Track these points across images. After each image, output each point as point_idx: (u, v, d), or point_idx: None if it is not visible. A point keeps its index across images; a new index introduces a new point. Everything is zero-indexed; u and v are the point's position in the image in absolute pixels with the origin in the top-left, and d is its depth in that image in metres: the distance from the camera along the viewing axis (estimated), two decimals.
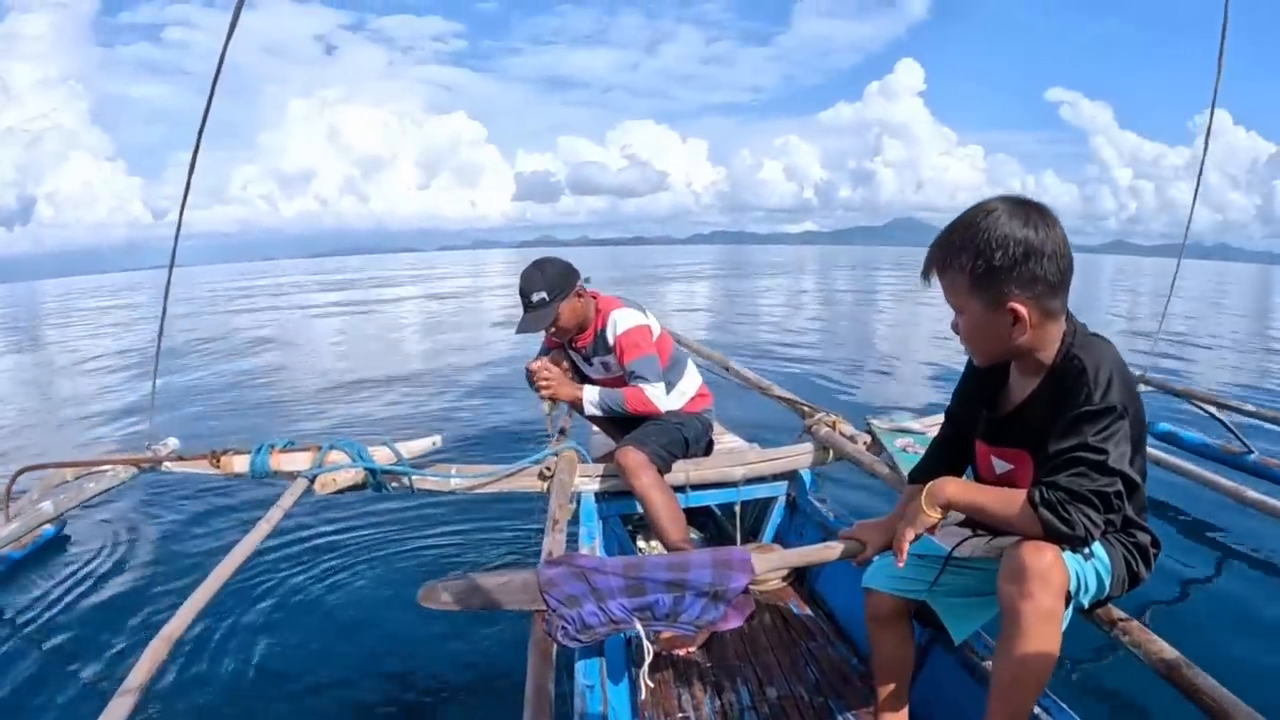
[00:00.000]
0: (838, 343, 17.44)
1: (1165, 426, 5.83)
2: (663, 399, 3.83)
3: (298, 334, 21.23)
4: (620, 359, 3.87)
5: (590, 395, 3.84)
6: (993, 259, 1.72)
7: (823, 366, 13.35)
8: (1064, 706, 2.07)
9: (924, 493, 1.97)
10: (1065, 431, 1.74)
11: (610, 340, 3.90)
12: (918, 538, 2.00)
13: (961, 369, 2.28)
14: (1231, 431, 4.88)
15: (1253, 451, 4.61)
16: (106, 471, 3.79)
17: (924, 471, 2.35)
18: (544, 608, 2.23)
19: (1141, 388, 5.53)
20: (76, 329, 24.83)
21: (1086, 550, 1.85)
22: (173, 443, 4.10)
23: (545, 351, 4.32)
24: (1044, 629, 1.70)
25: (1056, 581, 1.70)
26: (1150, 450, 5.01)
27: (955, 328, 1.95)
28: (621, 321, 3.85)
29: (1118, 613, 2.20)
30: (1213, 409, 5.23)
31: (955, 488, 1.95)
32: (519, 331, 3.85)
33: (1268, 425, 5.46)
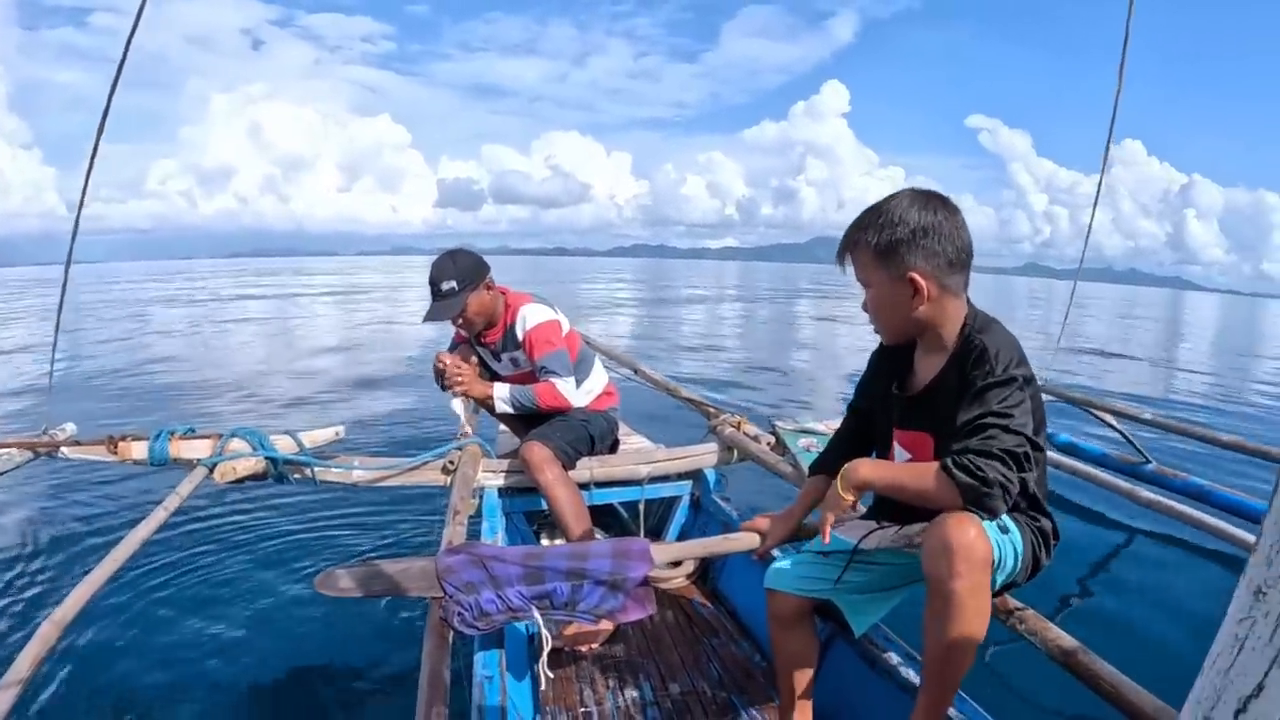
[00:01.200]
0: (748, 352, 17.77)
1: (1066, 438, 5.96)
2: (574, 393, 3.85)
3: (205, 329, 21.02)
4: (530, 354, 3.89)
5: (501, 392, 3.84)
6: (894, 234, 1.89)
7: (732, 373, 13.69)
8: (964, 695, 2.11)
9: (839, 475, 2.00)
10: (971, 402, 1.81)
11: (520, 335, 3.92)
12: (838, 520, 2.04)
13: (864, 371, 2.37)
14: (1130, 442, 5.01)
15: (1150, 461, 4.75)
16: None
17: (825, 462, 2.42)
18: (441, 594, 2.21)
19: (1043, 396, 5.72)
20: None
21: (1002, 524, 1.87)
22: (70, 428, 3.98)
23: (454, 347, 4.31)
24: (974, 602, 1.73)
25: (981, 555, 1.72)
26: (1051, 455, 5.16)
27: (864, 306, 2.07)
28: (531, 316, 3.88)
29: (1014, 602, 2.25)
30: (1110, 418, 5.35)
31: (869, 468, 1.99)
32: (425, 320, 3.87)
33: (1172, 438, 5.66)
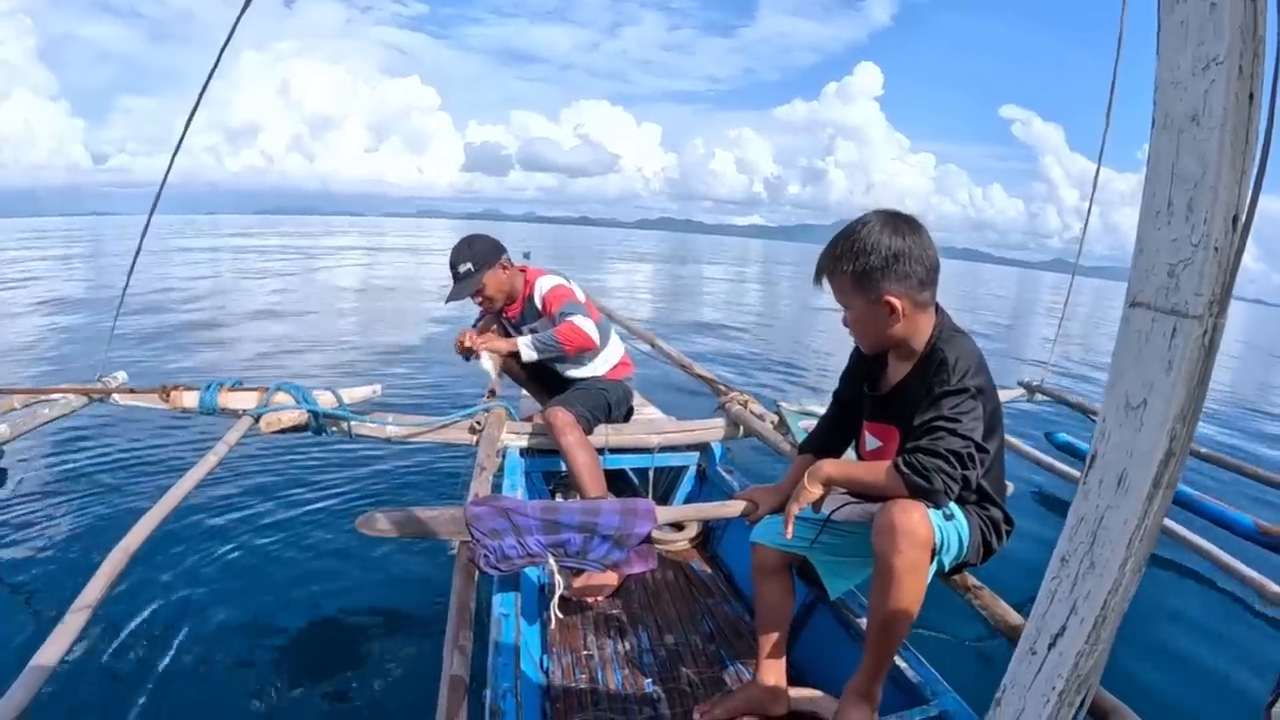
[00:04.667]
0: (764, 332, 17.67)
1: (1065, 438, 6.16)
2: (593, 330, 4.05)
3: (245, 286, 20.93)
4: (548, 310, 4.14)
5: (524, 341, 4.06)
6: (869, 262, 2.06)
7: (746, 353, 13.71)
8: (923, 660, 2.38)
9: (806, 474, 2.25)
10: (927, 407, 2.05)
11: (539, 303, 4.19)
12: (801, 509, 2.26)
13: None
14: None
15: None
16: (58, 400, 3.87)
17: (812, 444, 2.70)
18: (469, 539, 2.46)
19: (1039, 398, 5.88)
20: (11, 270, 23.88)
21: (948, 511, 2.12)
22: (121, 376, 4.22)
23: (480, 320, 4.58)
24: (911, 579, 1.95)
25: (922, 537, 1.95)
26: (1043, 457, 5.34)
27: (845, 322, 2.27)
28: (546, 284, 4.18)
29: (972, 580, 2.52)
30: None
31: (831, 467, 2.24)
32: (447, 300, 4.15)
33: None
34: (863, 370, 2.45)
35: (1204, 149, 0.68)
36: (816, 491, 2.22)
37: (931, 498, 2.00)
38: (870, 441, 2.42)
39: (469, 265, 4.08)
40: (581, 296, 4.27)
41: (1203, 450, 5.34)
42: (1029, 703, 0.91)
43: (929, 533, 1.97)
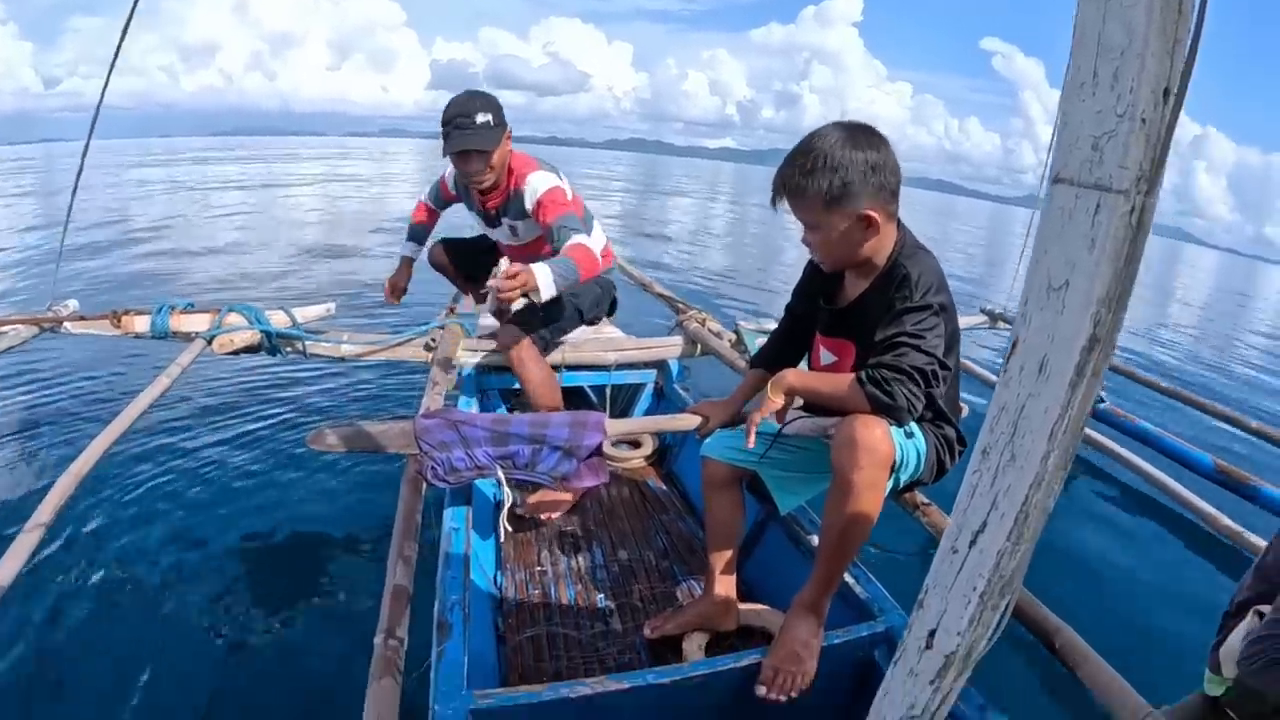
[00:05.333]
0: (728, 254, 17.74)
1: None
2: (597, 250, 3.48)
3: (196, 208, 20.38)
4: (542, 218, 3.59)
5: (545, 278, 3.07)
6: (846, 176, 1.96)
7: (708, 274, 13.70)
8: (871, 577, 2.38)
9: (770, 383, 2.21)
10: (889, 323, 2.00)
11: (528, 204, 3.66)
12: (763, 419, 2.23)
13: None
14: None
15: (1104, 400, 4.83)
16: (7, 332, 3.78)
17: (764, 358, 2.67)
18: (417, 451, 2.44)
19: (1001, 326, 5.87)
20: None
21: (908, 430, 2.10)
22: (72, 304, 4.11)
23: (440, 201, 4.32)
24: (869, 495, 1.93)
25: (883, 454, 1.92)
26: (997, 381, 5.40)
27: (806, 242, 2.19)
28: (539, 184, 3.61)
29: (921, 498, 2.53)
30: None
31: (794, 376, 2.19)
32: (454, 149, 3.48)
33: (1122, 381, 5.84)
34: (818, 284, 2.39)
35: (1131, 16, 0.64)
36: (779, 401, 2.18)
37: (894, 414, 1.96)
38: (825, 356, 2.39)
39: (488, 117, 3.45)
40: (569, 191, 3.75)
41: (1164, 384, 5.37)
42: (950, 604, 0.88)
43: (890, 450, 1.95)
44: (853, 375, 2.00)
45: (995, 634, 0.93)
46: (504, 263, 3.75)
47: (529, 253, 3.90)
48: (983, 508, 0.81)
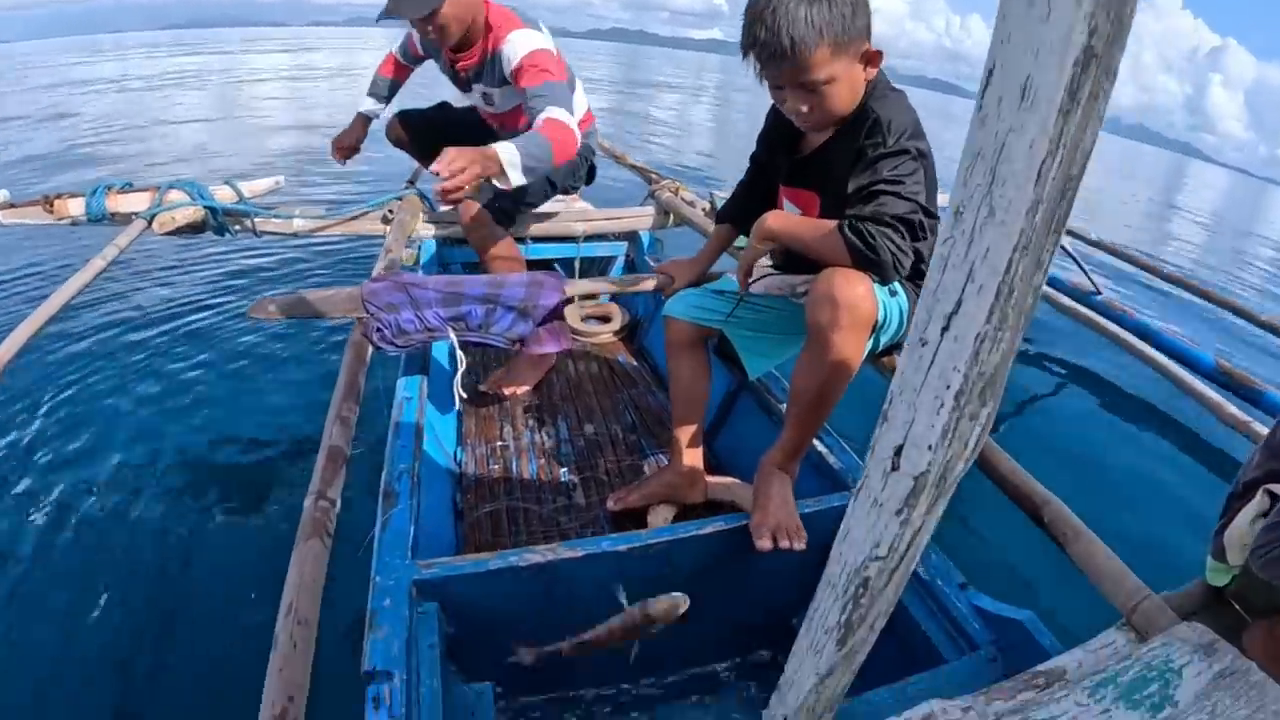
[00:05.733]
0: (712, 143, 17.53)
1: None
2: (576, 123, 3.06)
3: (146, 104, 19.76)
4: (519, 82, 3.16)
5: (509, 156, 2.67)
6: (857, 13, 1.73)
7: (693, 160, 13.60)
8: (845, 447, 2.28)
9: (754, 228, 2.03)
10: (863, 170, 1.82)
11: (507, 68, 3.22)
12: (748, 268, 2.11)
13: None
14: (1083, 270, 4.98)
15: (1100, 292, 4.68)
16: None
17: (729, 211, 2.53)
18: (364, 315, 2.32)
19: None
20: None
21: (892, 288, 1.94)
22: (3, 194, 3.85)
23: (410, 58, 3.92)
24: (847, 355, 1.78)
25: (864, 311, 1.76)
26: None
27: (795, 110, 1.91)
28: (521, 43, 3.16)
29: (898, 359, 2.40)
30: (1066, 241, 5.34)
31: (776, 219, 2.01)
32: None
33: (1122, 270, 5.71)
34: (781, 131, 2.22)
35: None
36: (760, 248, 2.04)
37: (879, 270, 1.78)
38: (787, 208, 2.24)
39: None
40: (555, 52, 3.28)
41: (1167, 269, 5.19)
42: (919, 411, 0.75)
43: (873, 308, 1.79)
44: (836, 223, 1.82)
45: (973, 453, 0.80)
46: (448, 151, 2.63)
47: (510, 125, 3.55)
48: (956, 283, 0.67)
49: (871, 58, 1.83)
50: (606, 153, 5.58)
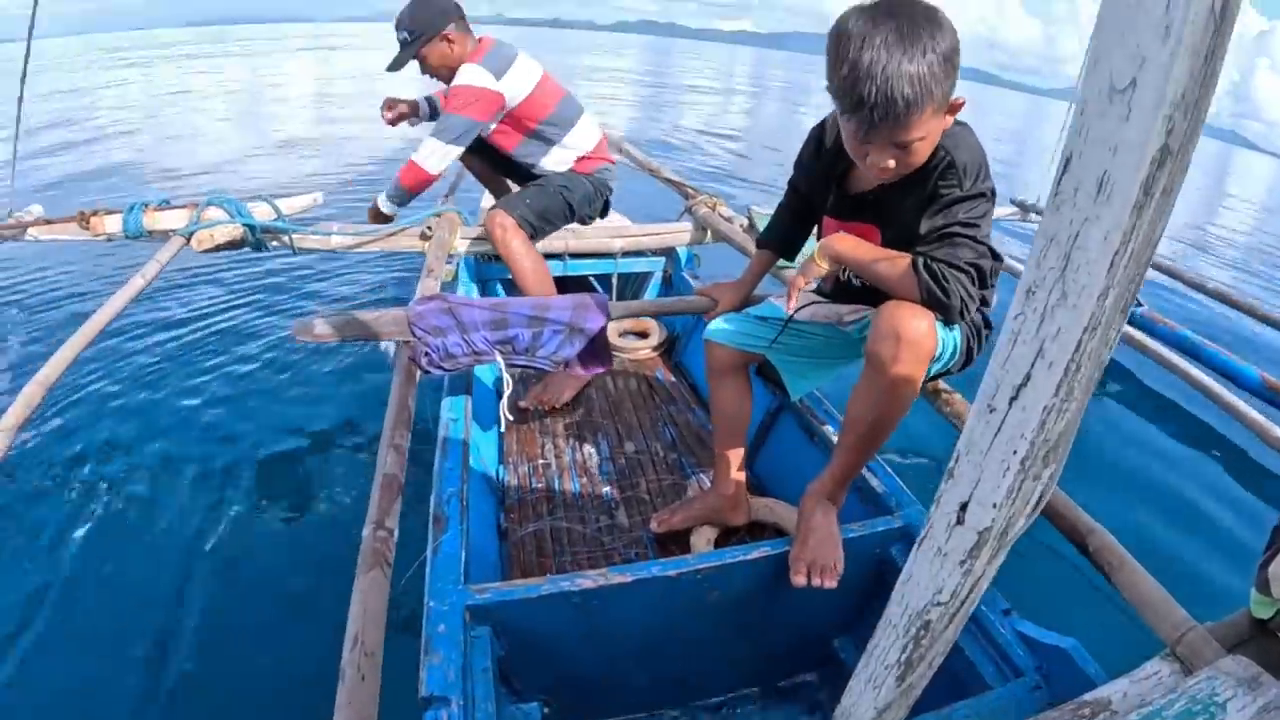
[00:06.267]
0: (747, 140, 17.38)
1: None
2: (431, 160, 3.63)
3: (171, 102, 19.61)
4: (444, 109, 3.73)
5: (383, 195, 3.84)
6: (953, 64, 1.63)
7: (723, 160, 13.44)
8: (889, 470, 2.29)
9: (818, 246, 2.02)
10: (939, 211, 1.80)
11: (446, 97, 3.79)
12: (807, 284, 2.09)
13: None
14: None
15: (1142, 305, 4.63)
16: None
17: (772, 236, 2.50)
18: (411, 338, 2.35)
19: (1033, 219, 5.66)
20: None
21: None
22: (36, 209, 3.89)
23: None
24: (907, 389, 1.80)
25: (926, 349, 1.77)
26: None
27: (882, 169, 1.80)
28: (460, 75, 3.64)
29: (944, 386, 2.40)
30: None
31: (848, 243, 1.98)
32: (387, 69, 3.83)
33: (1162, 285, 5.62)
34: (826, 162, 2.15)
35: None
36: (824, 267, 2.01)
37: (945, 312, 1.79)
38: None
39: (405, 33, 3.68)
40: (521, 89, 3.72)
41: (1210, 286, 5.13)
42: (986, 471, 0.78)
43: (934, 345, 1.79)
44: (909, 258, 1.82)
45: (1036, 510, 0.82)
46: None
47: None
48: (1026, 357, 0.70)
49: (954, 106, 1.76)
50: (640, 165, 5.60)
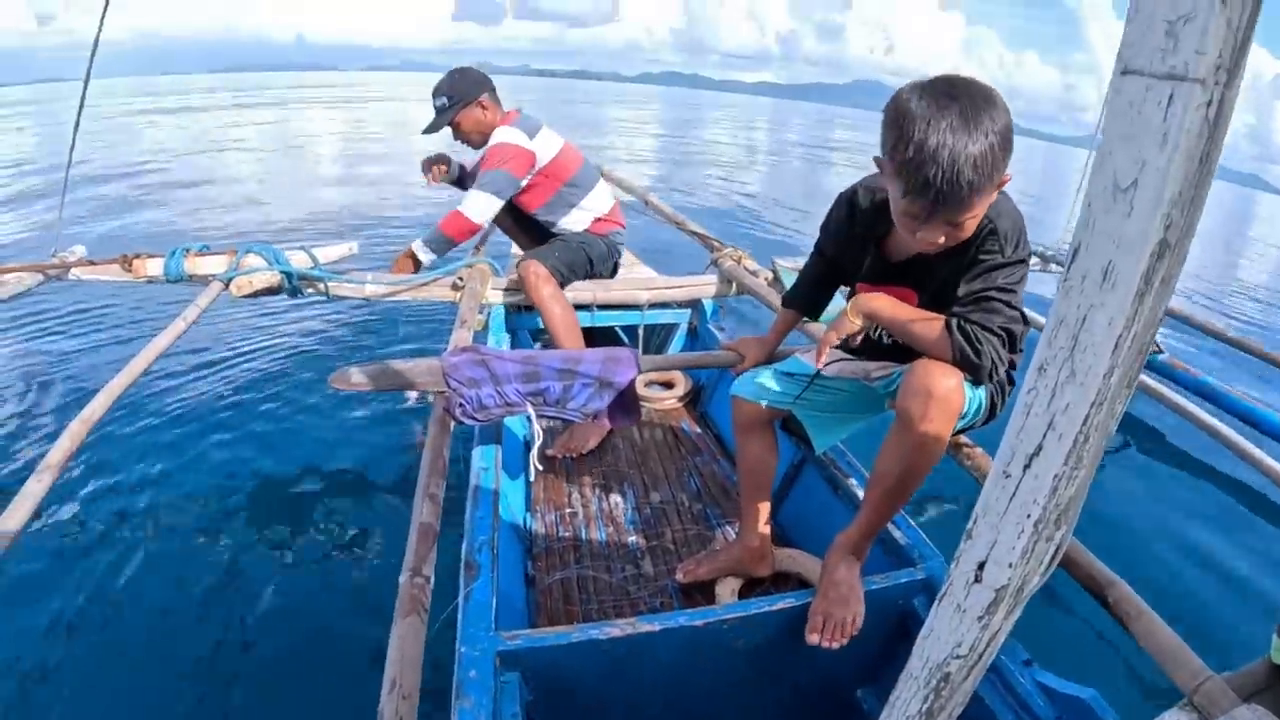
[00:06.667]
0: (769, 192, 17.46)
1: None
2: (477, 211, 3.88)
3: (210, 146, 20.12)
4: (481, 168, 4.01)
5: (418, 243, 4.07)
6: (1009, 145, 1.66)
7: (747, 212, 13.51)
8: (912, 523, 2.33)
9: (851, 302, 2.07)
10: (978, 276, 1.85)
11: (482, 159, 4.08)
12: (805, 349, 2.15)
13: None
14: None
15: (1162, 351, 4.62)
16: (9, 280, 3.66)
17: (797, 297, 2.56)
18: (445, 388, 2.42)
19: (1053, 269, 5.68)
20: None
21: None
22: (80, 250, 4.04)
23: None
24: (935, 446, 1.84)
25: (955, 406, 1.81)
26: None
27: (931, 243, 1.81)
28: (496, 137, 3.97)
29: (964, 439, 2.44)
30: None
31: (882, 302, 2.03)
32: (423, 131, 4.15)
33: (1185, 333, 5.58)
34: (861, 230, 2.17)
35: None
36: (856, 324, 2.05)
37: (975, 373, 1.84)
38: None
39: (444, 99, 4.03)
40: (548, 151, 4.06)
41: (1230, 334, 5.09)
42: (1002, 533, 0.83)
43: (962, 402, 1.84)
44: (943, 320, 1.87)
45: (1049, 569, 0.88)
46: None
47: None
48: (1038, 429, 0.75)
49: (1001, 180, 1.75)
50: (666, 218, 5.68)
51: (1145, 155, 0.63)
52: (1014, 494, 0.80)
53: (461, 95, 4.01)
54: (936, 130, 1.56)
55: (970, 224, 1.76)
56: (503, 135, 3.94)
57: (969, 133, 1.57)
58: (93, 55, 3.45)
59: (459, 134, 4.13)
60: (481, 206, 3.87)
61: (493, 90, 4.11)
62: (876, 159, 1.78)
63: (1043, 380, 0.74)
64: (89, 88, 3.50)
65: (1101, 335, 0.68)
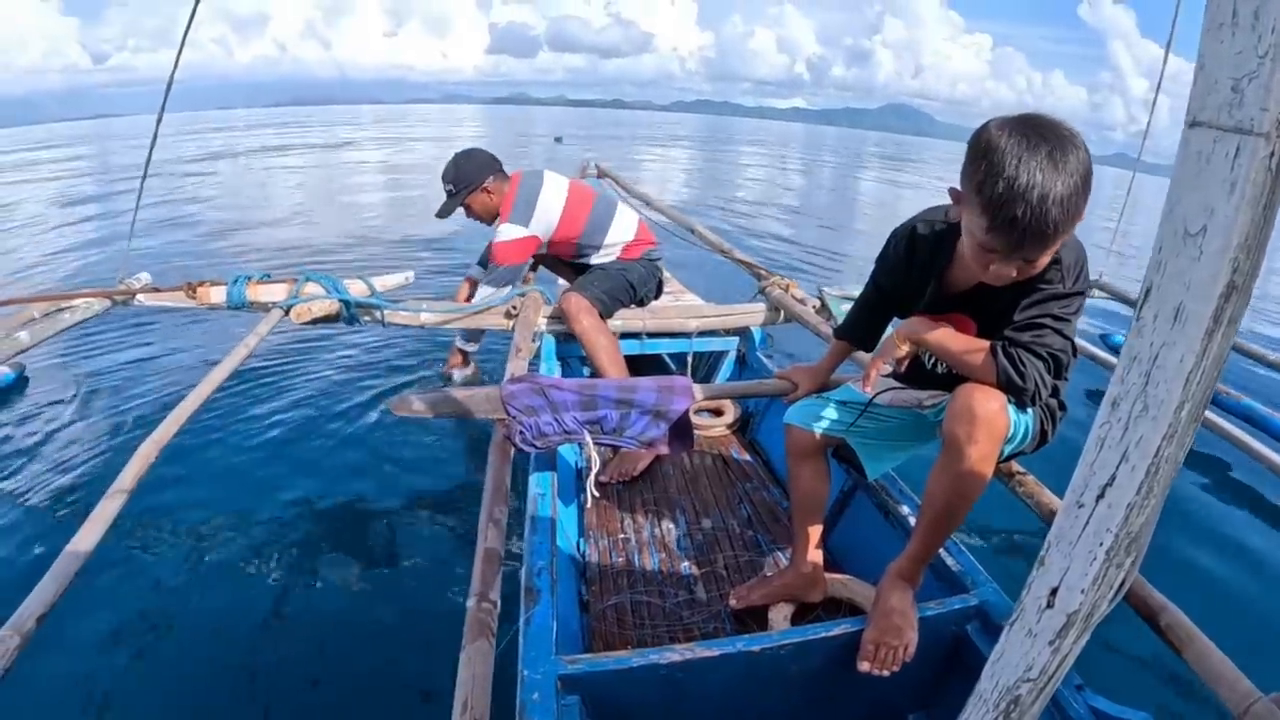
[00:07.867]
0: (808, 217, 17.45)
1: (1122, 339, 5.69)
2: (515, 233, 4.09)
3: (265, 181, 20.41)
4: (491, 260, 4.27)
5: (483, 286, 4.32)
6: (1090, 181, 1.63)
7: (789, 238, 13.41)
8: (963, 549, 2.33)
9: (898, 329, 2.10)
10: (1036, 303, 1.86)
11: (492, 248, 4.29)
12: (862, 378, 2.16)
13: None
14: None
15: None
16: (78, 305, 3.78)
17: (850, 329, 2.59)
18: (505, 416, 2.47)
19: (1095, 294, 5.62)
20: (19, 176, 22.33)
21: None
22: (145, 277, 4.17)
23: None
24: (982, 468, 1.86)
25: (999, 429, 1.84)
26: (1098, 353, 5.09)
27: (1004, 277, 1.80)
28: (499, 234, 4.13)
29: (1016, 466, 2.45)
30: None
31: (924, 326, 2.05)
32: (436, 215, 4.42)
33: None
34: (922, 262, 2.18)
35: None
36: (904, 350, 2.08)
37: (1019, 396, 1.87)
38: None
39: (450, 186, 4.24)
40: (557, 207, 4.19)
41: (1271, 356, 5.07)
42: (1074, 561, 0.87)
43: (1006, 425, 1.87)
44: (988, 343, 1.90)
45: (1118, 595, 0.91)
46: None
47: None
48: (1112, 460, 0.79)
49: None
50: (713, 247, 5.72)
51: (1213, 203, 0.67)
52: (1087, 523, 0.83)
53: (467, 182, 4.21)
54: (1027, 170, 1.56)
55: (1044, 261, 1.76)
56: (502, 234, 4.11)
57: (1058, 172, 1.56)
58: (166, 94, 3.59)
59: (470, 214, 4.35)
60: (492, 292, 4.19)
61: (498, 171, 4.30)
62: (953, 190, 1.80)
63: (1115, 414, 0.78)
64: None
65: (1173, 371, 0.72)
